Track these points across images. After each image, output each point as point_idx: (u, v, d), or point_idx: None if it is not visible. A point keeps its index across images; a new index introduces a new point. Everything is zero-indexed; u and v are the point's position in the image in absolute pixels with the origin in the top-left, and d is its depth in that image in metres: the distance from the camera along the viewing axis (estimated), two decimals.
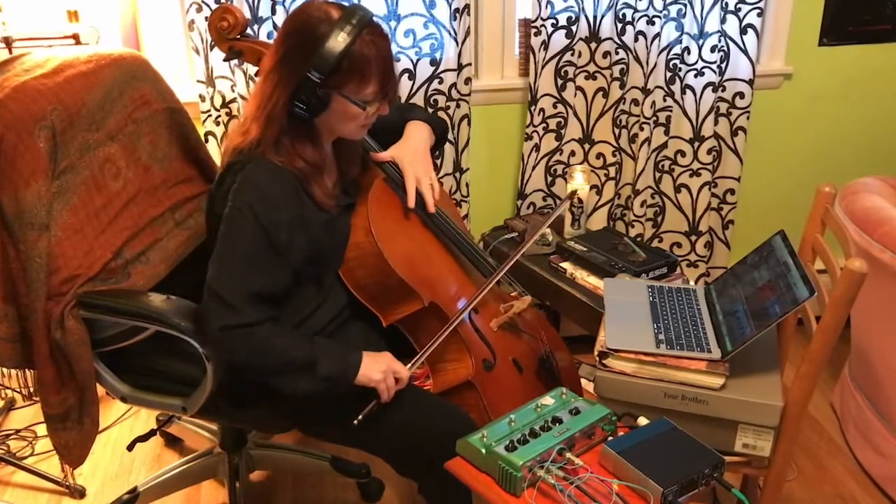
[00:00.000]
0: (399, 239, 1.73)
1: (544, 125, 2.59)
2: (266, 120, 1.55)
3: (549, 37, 2.47)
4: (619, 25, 2.49)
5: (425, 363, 1.74)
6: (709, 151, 2.64)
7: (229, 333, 1.50)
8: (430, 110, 2.48)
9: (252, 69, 2.31)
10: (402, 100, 2.45)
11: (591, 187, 2.64)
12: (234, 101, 2.40)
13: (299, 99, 1.52)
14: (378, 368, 1.58)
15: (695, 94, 2.58)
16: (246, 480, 2.10)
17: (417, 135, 1.83)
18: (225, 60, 1.99)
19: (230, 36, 1.85)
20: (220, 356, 1.58)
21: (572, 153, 2.65)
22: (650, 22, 2.46)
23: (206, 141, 2.36)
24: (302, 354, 1.53)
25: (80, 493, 2.20)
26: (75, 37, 2.16)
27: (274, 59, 1.55)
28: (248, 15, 2.20)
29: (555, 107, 2.58)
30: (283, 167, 1.56)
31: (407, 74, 2.43)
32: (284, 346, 1.54)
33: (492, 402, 1.72)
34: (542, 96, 2.54)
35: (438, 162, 2.54)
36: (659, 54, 2.51)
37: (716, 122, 2.63)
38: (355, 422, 1.56)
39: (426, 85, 2.45)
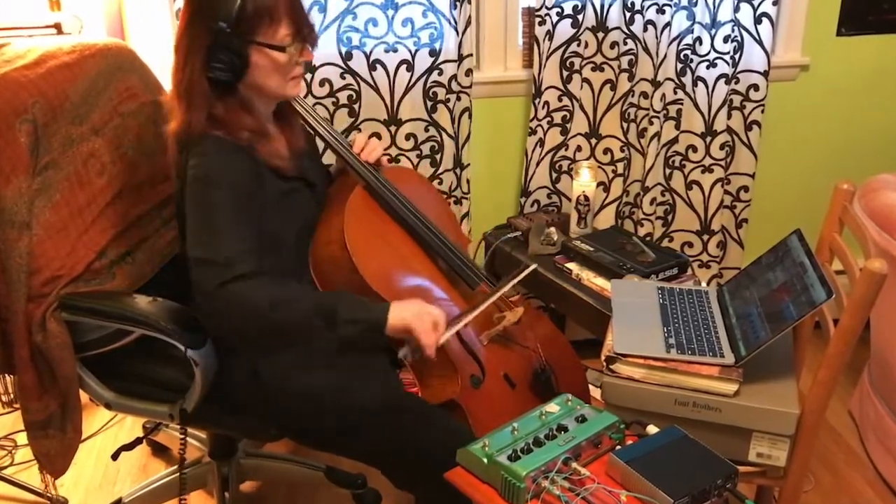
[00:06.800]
0: (377, 252, 1.72)
1: (549, 119, 2.59)
2: (186, 93, 1.56)
3: (554, 26, 2.48)
4: (628, 14, 2.49)
5: (414, 376, 1.74)
6: (721, 146, 2.64)
7: (230, 288, 1.46)
8: (430, 103, 2.48)
9: None
10: (401, 91, 2.45)
11: (598, 184, 2.64)
12: None
13: (217, 59, 1.53)
14: (410, 309, 1.54)
15: (707, 86, 2.58)
16: (236, 491, 2.10)
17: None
18: None
19: None
20: (226, 324, 1.52)
21: (578, 148, 2.65)
22: (660, 11, 2.47)
23: None
24: (317, 300, 1.51)
25: None
26: (57, 26, 2.16)
27: (181, 29, 1.58)
28: None
29: (560, 100, 2.58)
30: (227, 139, 1.57)
31: (405, 66, 2.43)
32: (295, 295, 1.51)
33: (479, 420, 1.70)
34: (546, 89, 2.54)
35: (438, 157, 2.54)
36: (669, 45, 2.51)
37: (729, 116, 2.63)
38: (398, 357, 1.56)
39: (425, 77, 2.45)
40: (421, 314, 1.55)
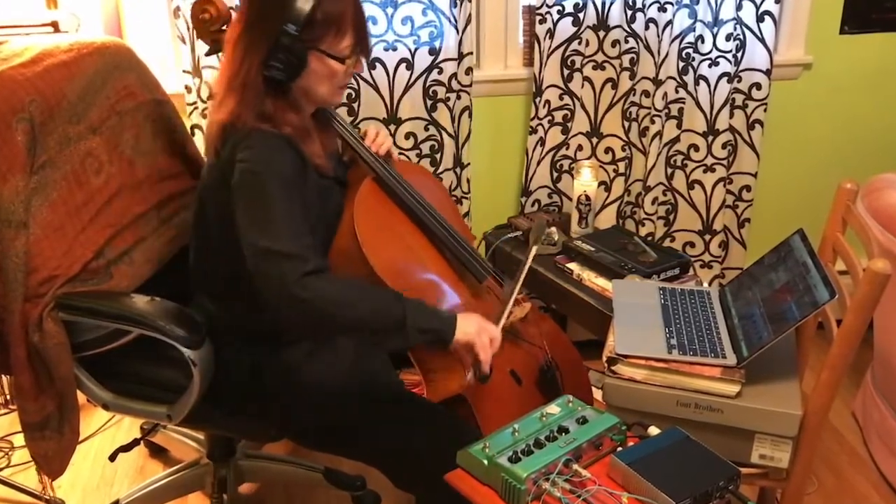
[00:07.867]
0: (387, 244, 1.72)
1: (550, 118, 2.59)
2: (241, 88, 1.56)
3: (555, 24, 2.47)
4: (629, 12, 2.48)
5: (419, 372, 1.74)
6: (724, 146, 2.64)
7: (310, 280, 1.47)
8: (430, 102, 2.48)
9: None
10: (401, 90, 2.45)
11: (600, 184, 2.64)
12: None
13: (276, 59, 1.54)
14: (472, 325, 1.59)
15: (709, 85, 2.58)
16: (234, 493, 2.10)
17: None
18: (208, 55, 1.99)
19: (213, 28, 1.85)
20: (304, 316, 1.51)
21: (579, 147, 2.65)
22: (661, 9, 2.46)
23: (193, 134, 2.35)
24: (388, 301, 1.54)
25: None
26: (54, 24, 2.16)
27: (242, 25, 1.58)
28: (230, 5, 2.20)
29: (561, 98, 2.57)
30: (275, 132, 1.57)
31: (405, 64, 2.42)
32: (366, 293, 1.55)
33: (486, 416, 1.71)
34: (547, 87, 2.54)
35: (438, 156, 2.54)
36: (671, 43, 2.50)
37: (731, 115, 2.63)
38: (478, 377, 1.62)
39: (425, 75, 2.45)
40: (480, 331, 1.60)
